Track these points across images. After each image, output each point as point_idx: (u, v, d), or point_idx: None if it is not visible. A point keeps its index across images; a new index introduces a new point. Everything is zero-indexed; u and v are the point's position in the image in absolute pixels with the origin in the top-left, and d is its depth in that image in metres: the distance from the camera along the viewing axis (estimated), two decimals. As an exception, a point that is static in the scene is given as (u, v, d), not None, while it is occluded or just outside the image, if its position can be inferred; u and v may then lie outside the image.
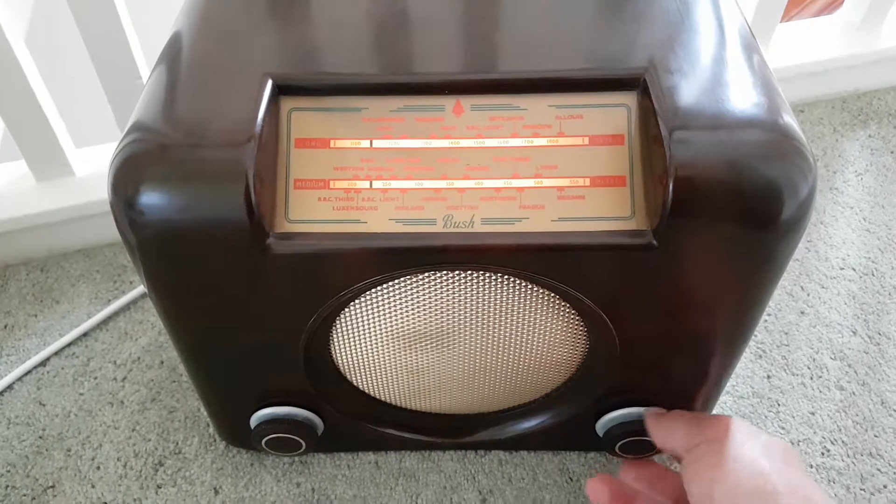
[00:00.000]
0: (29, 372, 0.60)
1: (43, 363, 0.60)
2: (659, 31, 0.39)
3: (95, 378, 0.59)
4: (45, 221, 0.65)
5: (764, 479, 0.35)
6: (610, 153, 0.36)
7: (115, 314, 0.63)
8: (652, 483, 0.45)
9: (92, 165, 0.67)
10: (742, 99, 0.36)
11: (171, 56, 0.40)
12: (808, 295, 0.63)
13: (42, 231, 0.66)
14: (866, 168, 0.74)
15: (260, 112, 0.35)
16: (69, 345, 0.61)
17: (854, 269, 0.65)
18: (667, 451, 0.44)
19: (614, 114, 0.37)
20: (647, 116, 0.36)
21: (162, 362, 0.60)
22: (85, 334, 0.62)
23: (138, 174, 0.35)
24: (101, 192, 0.66)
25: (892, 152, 0.76)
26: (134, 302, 0.64)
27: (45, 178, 0.66)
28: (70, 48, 0.66)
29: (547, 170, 0.37)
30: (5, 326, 0.63)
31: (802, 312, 0.62)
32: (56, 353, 0.61)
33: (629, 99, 0.37)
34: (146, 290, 0.40)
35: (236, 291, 0.38)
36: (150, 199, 0.35)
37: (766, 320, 0.61)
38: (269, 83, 0.36)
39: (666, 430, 0.42)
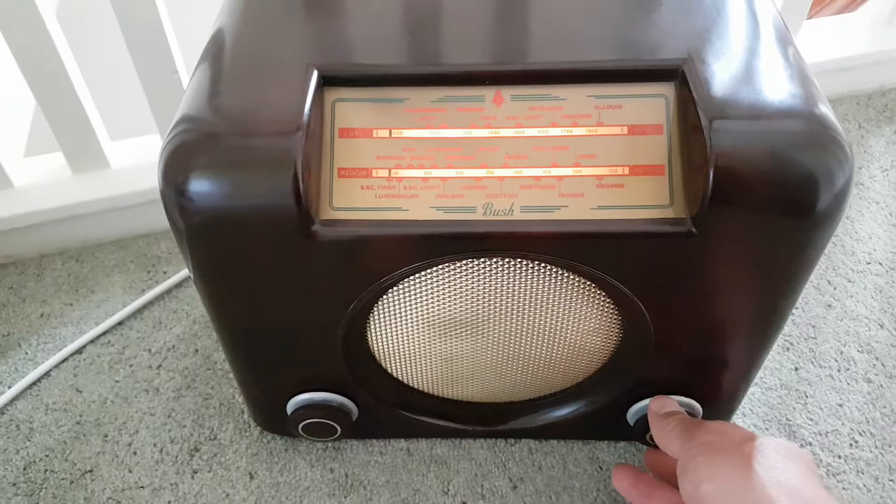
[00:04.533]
0: (65, 359, 0.61)
1: (79, 351, 0.61)
2: (694, 21, 0.40)
3: (131, 366, 0.60)
4: (80, 212, 0.66)
5: (750, 478, 0.37)
6: (648, 142, 0.37)
7: (150, 304, 0.64)
8: (667, 475, 0.46)
9: (127, 158, 0.68)
10: (779, 89, 0.37)
11: (215, 51, 0.41)
12: (835, 289, 0.64)
13: (77, 222, 0.67)
14: (892, 164, 0.74)
15: (307, 102, 0.36)
16: (104, 333, 0.62)
17: (881, 264, 0.65)
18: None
19: (653, 104, 0.37)
20: (686, 106, 0.36)
21: (196, 350, 0.61)
22: (120, 323, 0.63)
23: (188, 162, 0.36)
24: (135, 184, 0.67)
25: (918, 148, 0.76)
26: (168, 292, 0.65)
27: (82, 169, 0.67)
28: (108, 41, 0.67)
29: (586, 159, 0.37)
30: (42, 315, 0.64)
31: (829, 306, 0.62)
32: (92, 342, 0.62)
33: (667, 89, 0.37)
34: (191, 276, 0.41)
35: (281, 277, 0.39)
36: (200, 186, 0.36)
37: (793, 313, 0.61)
38: (315, 74, 0.37)
39: (666, 438, 0.43)
